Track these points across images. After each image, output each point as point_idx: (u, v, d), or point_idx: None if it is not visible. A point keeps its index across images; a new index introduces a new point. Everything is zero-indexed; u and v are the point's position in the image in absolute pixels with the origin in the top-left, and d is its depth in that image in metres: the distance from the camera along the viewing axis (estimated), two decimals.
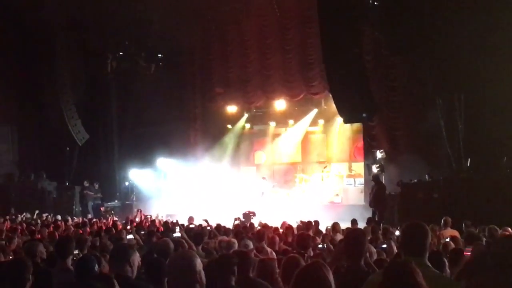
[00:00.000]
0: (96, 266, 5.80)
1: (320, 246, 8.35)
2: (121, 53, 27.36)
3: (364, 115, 19.83)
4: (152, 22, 25.00)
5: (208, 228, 13.71)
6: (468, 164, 18.10)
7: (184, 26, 26.18)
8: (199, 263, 4.32)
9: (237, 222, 15.77)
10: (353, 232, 6.24)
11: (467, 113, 18.13)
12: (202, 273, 4.32)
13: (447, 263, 6.50)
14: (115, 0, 23.10)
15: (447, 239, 9.50)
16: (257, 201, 24.12)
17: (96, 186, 26.66)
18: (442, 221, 12.52)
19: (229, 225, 15.25)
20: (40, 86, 25.58)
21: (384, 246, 8.82)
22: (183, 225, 15.03)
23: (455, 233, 11.28)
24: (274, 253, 8.94)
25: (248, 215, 17.90)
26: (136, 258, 5.39)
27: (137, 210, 22.13)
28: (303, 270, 3.78)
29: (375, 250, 8.01)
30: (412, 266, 3.61)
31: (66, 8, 23.96)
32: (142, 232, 13.20)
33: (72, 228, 14.78)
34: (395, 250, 8.42)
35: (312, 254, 8.06)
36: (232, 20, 26.41)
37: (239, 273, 5.20)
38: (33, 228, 14.59)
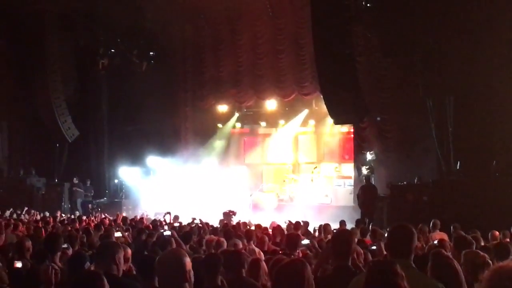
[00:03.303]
0: (88, 264, 5.83)
1: (303, 242, 8.28)
2: (113, 50, 27.28)
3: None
4: (144, 20, 24.96)
5: (200, 224, 13.73)
6: (458, 167, 18.15)
7: (176, 24, 26.22)
8: (188, 262, 4.32)
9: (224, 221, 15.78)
10: (340, 232, 6.26)
11: (457, 116, 18.19)
12: (192, 272, 4.32)
13: None
14: None
15: (435, 242, 9.52)
16: (245, 201, 24.06)
17: (88, 183, 26.57)
18: (431, 224, 12.53)
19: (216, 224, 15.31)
20: (31, 82, 25.43)
21: (374, 247, 8.80)
22: (171, 223, 15.03)
23: (444, 236, 11.30)
24: (262, 253, 8.92)
25: (228, 214, 17.83)
26: (122, 255, 5.37)
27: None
28: (282, 267, 3.84)
29: (362, 251, 8.00)
30: (395, 267, 3.62)
31: (58, 4, 23.89)
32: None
33: (60, 225, 14.70)
34: (384, 251, 8.41)
35: (300, 254, 8.04)
36: (225, 19, 26.39)
37: (232, 272, 5.21)
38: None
